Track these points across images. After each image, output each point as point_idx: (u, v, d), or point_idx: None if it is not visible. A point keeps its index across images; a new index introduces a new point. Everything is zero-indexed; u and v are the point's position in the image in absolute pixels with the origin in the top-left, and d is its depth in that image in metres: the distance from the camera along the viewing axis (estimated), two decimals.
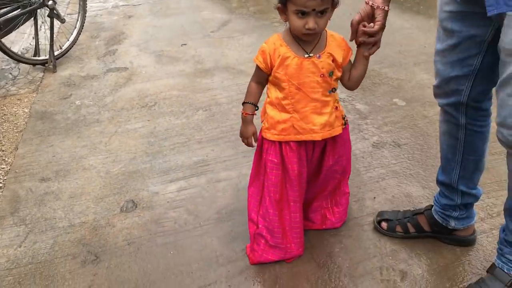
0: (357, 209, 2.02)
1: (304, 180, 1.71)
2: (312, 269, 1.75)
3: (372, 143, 2.40)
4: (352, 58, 1.62)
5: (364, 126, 2.55)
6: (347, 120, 1.71)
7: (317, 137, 1.60)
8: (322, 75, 1.53)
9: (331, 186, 1.82)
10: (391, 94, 2.78)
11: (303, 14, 1.42)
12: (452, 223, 1.75)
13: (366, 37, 1.50)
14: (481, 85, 1.49)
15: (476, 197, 1.73)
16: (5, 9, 3.02)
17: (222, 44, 3.59)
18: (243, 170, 2.27)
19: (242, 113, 1.70)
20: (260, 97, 1.69)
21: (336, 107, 1.62)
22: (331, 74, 1.55)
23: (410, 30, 3.62)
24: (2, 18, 2.94)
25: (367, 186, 2.14)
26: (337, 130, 1.64)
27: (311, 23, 1.42)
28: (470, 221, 1.77)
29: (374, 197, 2.07)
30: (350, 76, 1.61)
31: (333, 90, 1.60)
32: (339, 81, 1.63)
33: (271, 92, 1.63)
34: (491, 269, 1.58)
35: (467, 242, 1.80)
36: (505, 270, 1.53)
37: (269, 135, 1.64)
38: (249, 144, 1.73)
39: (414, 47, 3.41)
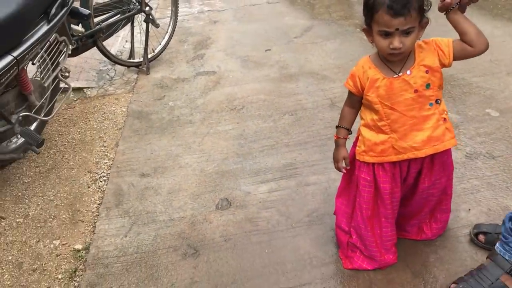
0: (452, 220, 1.99)
1: (397, 199, 1.69)
2: (407, 278, 1.76)
3: (465, 154, 2.35)
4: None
5: (456, 136, 2.49)
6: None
7: (420, 154, 1.55)
8: (416, 91, 1.49)
9: (430, 206, 1.79)
10: (483, 104, 2.70)
11: (387, 34, 1.41)
12: None
13: None
14: None
15: None
16: (107, 15, 3.25)
17: (306, 49, 3.64)
18: (331, 175, 2.30)
19: (335, 137, 1.73)
20: (353, 121, 1.71)
21: (444, 119, 1.56)
22: (427, 86, 1.50)
23: (501, 38, 3.49)
24: (105, 23, 3.15)
25: (461, 197, 2.10)
26: (449, 143, 1.58)
27: (396, 42, 1.40)
28: None
29: (469, 209, 2.03)
30: (468, 43, 1.45)
31: (437, 101, 1.53)
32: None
33: (365, 115, 1.62)
34: (492, 256, 1.65)
35: None
36: (507, 258, 1.61)
37: (368, 158, 1.62)
38: (338, 169, 1.74)
39: (507, 55, 3.28)
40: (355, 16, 4.11)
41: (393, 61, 1.50)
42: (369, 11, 1.43)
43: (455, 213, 2.02)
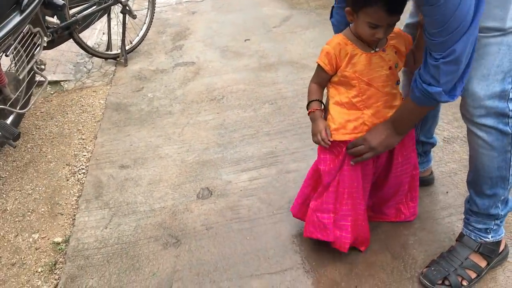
0: (430, 203, 2.02)
1: (369, 178, 1.71)
2: (387, 260, 1.78)
3: (443, 138, 2.39)
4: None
5: None
6: None
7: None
8: (390, 68, 1.56)
9: (404, 184, 1.80)
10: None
11: (376, 26, 1.44)
12: None
13: None
14: None
15: (433, 144, 2.06)
16: (82, 6, 3.19)
17: (285, 39, 3.64)
18: (311, 162, 2.28)
19: (309, 112, 1.66)
20: (322, 98, 1.68)
21: (403, 99, 1.63)
22: (396, 66, 1.58)
23: None
24: (81, 15, 3.10)
25: (439, 180, 2.13)
26: None
27: (381, 34, 1.45)
28: (428, 164, 2.09)
29: (447, 192, 2.07)
30: (416, 59, 1.60)
31: (398, 82, 1.62)
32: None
33: (337, 93, 1.62)
34: (460, 238, 1.71)
35: (427, 181, 2.10)
36: (472, 237, 1.67)
37: (340, 136, 1.60)
38: (323, 139, 1.60)
39: None
40: None
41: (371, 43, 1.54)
42: (361, 2, 1.42)
43: (433, 196, 2.06)
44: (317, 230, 1.73)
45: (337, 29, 1.68)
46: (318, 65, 1.60)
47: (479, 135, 1.47)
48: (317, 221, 1.72)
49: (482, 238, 1.65)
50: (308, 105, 1.68)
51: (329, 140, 1.59)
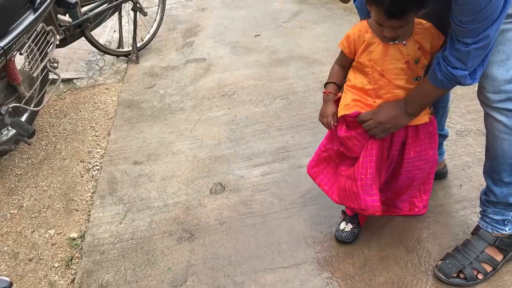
0: (443, 196, 2.01)
1: (384, 165, 1.71)
2: (401, 254, 1.78)
3: (456, 131, 2.37)
4: None
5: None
6: (433, 111, 1.67)
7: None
8: (407, 62, 1.54)
9: (418, 180, 1.78)
10: None
11: (380, 25, 1.46)
12: None
13: None
14: None
15: (445, 136, 2.06)
16: (94, 4, 3.22)
17: (295, 34, 3.63)
18: None
19: (324, 93, 1.72)
20: (343, 80, 1.71)
21: None
22: (416, 61, 1.54)
23: None
24: (92, 13, 3.13)
25: (453, 173, 2.12)
26: (423, 119, 1.62)
27: (387, 33, 1.47)
28: (441, 157, 2.07)
29: (461, 185, 2.06)
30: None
31: (418, 78, 1.58)
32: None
33: (354, 77, 1.64)
34: (476, 231, 1.70)
35: (441, 174, 2.09)
36: (489, 230, 1.66)
37: (354, 108, 1.61)
38: (328, 124, 1.67)
39: None
40: None
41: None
42: (369, 1, 1.46)
43: (447, 189, 2.05)
44: (349, 198, 1.73)
45: (361, 12, 1.71)
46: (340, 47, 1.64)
47: (499, 119, 1.47)
48: (349, 189, 1.71)
49: (499, 231, 1.64)
50: (325, 85, 1.73)
51: (334, 125, 1.67)
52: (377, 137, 1.61)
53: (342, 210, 1.88)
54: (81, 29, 3.06)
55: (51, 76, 2.73)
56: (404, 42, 1.53)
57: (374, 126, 1.58)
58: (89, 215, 2.15)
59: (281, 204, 2.08)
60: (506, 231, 1.64)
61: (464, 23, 1.27)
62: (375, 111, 1.58)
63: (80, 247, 1.99)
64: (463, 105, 2.55)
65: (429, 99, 1.55)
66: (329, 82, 1.71)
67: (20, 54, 2.29)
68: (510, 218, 1.64)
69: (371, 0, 1.43)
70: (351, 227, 1.83)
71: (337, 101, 1.70)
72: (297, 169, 2.27)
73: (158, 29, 3.77)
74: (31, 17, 2.20)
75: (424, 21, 1.57)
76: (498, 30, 1.28)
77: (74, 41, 3.10)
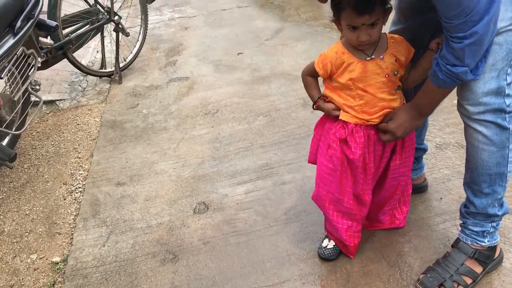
0: (424, 209, 2.04)
1: (370, 172, 1.72)
2: (383, 268, 1.79)
3: (435, 145, 2.41)
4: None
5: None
6: None
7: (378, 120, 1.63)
8: (387, 75, 1.58)
9: (401, 188, 1.83)
10: (451, 95, 2.75)
11: (354, 28, 1.49)
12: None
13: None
14: None
15: (425, 150, 2.09)
16: (75, 26, 3.23)
17: (277, 51, 3.68)
18: (307, 173, 2.33)
19: (314, 106, 1.73)
20: (318, 86, 1.73)
21: (403, 104, 1.65)
22: (395, 73, 1.59)
23: None
24: (74, 34, 3.14)
25: (433, 187, 2.15)
26: None
27: (363, 36, 1.49)
28: (421, 171, 2.12)
29: (441, 198, 2.09)
30: (409, 76, 1.64)
31: (398, 87, 1.63)
32: None
33: (336, 97, 1.65)
34: (456, 243, 1.73)
35: (421, 188, 2.13)
36: (469, 243, 1.69)
37: (345, 116, 1.65)
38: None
39: None
40: (324, 16, 4.17)
41: (363, 49, 1.57)
42: (336, 8, 1.51)
43: (427, 202, 2.07)
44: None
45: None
46: (313, 65, 1.65)
47: (479, 130, 1.50)
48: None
49: (479, 243, 1.67)
50: (312, 100, 1.75)
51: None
52: (388, 141, 1.65)
53: (325, 227, 1.89)
54: (63, 51, 3.07)
55: (33, 98, 2.72)
56: (381, 56, 1.57)
57: (390, 138, 1.63)
58: (72, 238, 2.13)
59: (265, 222, 2.08)
60: (485, 243, 1.67)
61: (450, 19, 1.29)
62: (389, 124, 1.60)
63: (62, 271, 1.98)
64: (442, 119, 2.60)
65: (438, 99, 1.57)
66: (312, 94, 1.74)
67: (1, 78, 2.29)
68: (489, 229, 1.66)
69: (339, 8, 1.48)
70: (334, 244, 1.84)
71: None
72: (280, 186, 2.29)
73: (141, 49, 3.79)
74: (11, 41, 2.20)
75: (396, 35, 1.63)
76: (491, 29, 1.30)
77: (57, 63, 3.10)
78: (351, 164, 1.67)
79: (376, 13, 1.45)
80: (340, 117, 1.66)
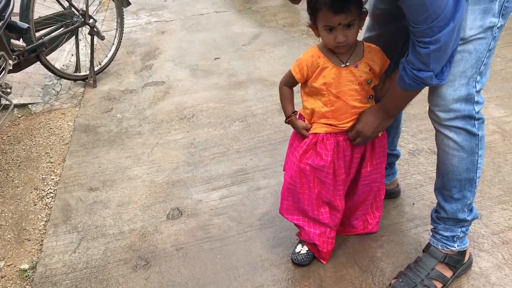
0: (396, 215, 2.06)
1: (341, 179, 1.73)
2: (355, 273, 1.80)
3: (408, 151, 2.44)
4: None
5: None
6: None
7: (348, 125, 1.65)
8: (360, 83, 1.60)
9: (373, 193, 1.85)
10: (424, 102, 2.79)
11: (331, 29, 1.50)
12: None
13: None
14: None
15: (397, 156, 2.11)
16: (49, 29, 3.18)
17: (254, 57, 3.68)
18: (282, 179, 2.31)
19: (288, 121, 1.75)
20: (293, 99, 1.76)
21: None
22: (369, 82, 1.62)
23: None
24: (47, 37, 3.09)
25: (405, 192, 2.18)
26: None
27: (340, 37, 1.50)
28: (394, 176, 2.14)
29: (413, 203, 2.11)
30: (384, 87, 1.66)
31: (371, 97, 1.66)
32: None
33: (308, 103, 1.68)
34: (427, 248, 1.75)
35: (394, 194, 2.15)
36: (439, 247, 1.71)
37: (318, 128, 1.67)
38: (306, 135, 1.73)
39: None
40: (301, 23, 4.20)
41: (340, 52, 1.58)
42: (313, 9, 1.52)
43: (400, 207, 2.10)
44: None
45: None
46: (290, 71, 1.67)
47: (449, 136, 1.53)
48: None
49: (449, 247, 1.69)
50: (285, 114, 1.76)
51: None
52: (360, 144, 1.67)
53: (299, 234, 1.89)
54: (36, 54, 3.01)
55: (4, 101, 2.66)
56: (356, 64, 1.59)
57: (360, 140, 1.65)
58: (42, 244, 2.08)
59: (239, 227, 2.07)
60: (455, 247, 1.69)
61: (417, 24, 1.31)
62: (357, 126, 1.62)
63: (31, 278, 1.93)
64: (415, 125, 2.63)
65: (405, 102, 1.59)
66: (287, 109, 1.76)
67: None
68: (459, 234, 1.69)
69: (314, 8, 1.49)
70: (307, 249, 1.84)
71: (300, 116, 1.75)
72: (255, 191, 2.28)
73: (117, 53, 3.75)
74: None
75: (373, 45, 1.64)
76: (455, 36, 1.32)
77: (29, 65, 3.04)
78: (321, 172, 1.68)
79: (352, 13, 1.47)
80: (310, 132, 1.68)
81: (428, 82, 1.42)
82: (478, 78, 1.47)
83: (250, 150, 2.59)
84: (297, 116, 1.74)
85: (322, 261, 1.84)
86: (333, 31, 1.50)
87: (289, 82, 1.73)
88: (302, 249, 1.85)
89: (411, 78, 1.42)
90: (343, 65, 1.58)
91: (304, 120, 1.72)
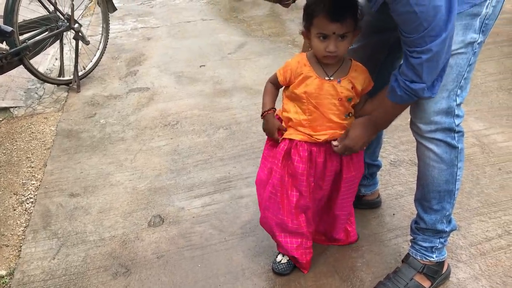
0: (377, 225, 2.08)
1: (310, 185, 1.73)
2: (336, 283, 1.82)
3: (390, 161, 2.48)
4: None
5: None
6: None
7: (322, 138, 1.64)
8: (340, 99, 1.60)
9: (351, 200, 1.85)
10: (406, 113, 2.84)
11: (324, 37, 1.51)
12: (362, 190, 2.12)
13: None
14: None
15: (379, 167, 2.13)
16: (34, 32, 3.15)
17: (240, 65, 3.70)
18: None
19: (263, 114, 1.75)
20: (276, 98, 1.76)
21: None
22: (349, 99, 1.62)
23: None
24: (31, 41, 3.06)
25: (386, 203, 2.20)
26: None
27: (331, 46, 1.50)
28: (375, 187, 2.16)
29: (394, 214, 2.14)
30: (363, 108, 1.66)
31: (350, 114, 1.66)
32: None
33: (288, 107, 1.69)
34: (406, 259, 1.78)
35: (375, 204, 2.18)
36: (418, 258, 1.74)
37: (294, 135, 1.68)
38: (277, 140, 1.73)
39: None
40: (286, 33, 4.23)
41: (327, 63, 1.59)
42: (309, 15, 1.52)
43: (380, 218, 2.12)
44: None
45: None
46: (276, 72, 1.68)
47: (429, 147, 1.56)
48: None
49: (427, 258, 1.72)
50: (263, 108, 1.76)
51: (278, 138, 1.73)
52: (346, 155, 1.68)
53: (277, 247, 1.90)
54: (19, 57, 2.98)
55: None
56: (339, 80, 1.59)
57: (348, 153, 1.66)
58: (20, 250, 2.05)
59: (221, 236, 2.07)
60: (433, 258, 1.72)
61: (409, 33, 1.33)
62: (345, 143, 1.61)
63: (8, 285, 1.90)
64: (397, 136, 2.67)
65: (395, 115, 1.60)
66: (267, 109, 1.75)
67: None
68: (438, 245, 1.72)
69: (311, 14, 1.50)
70: (288, 259, 1.85)
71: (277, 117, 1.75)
72: (237, 199, 2.28)
73: (101, 58, 3.73)
74: None
75: (361, 65, 1.64)
76: (446, 46, 1.33)
77: (12, 69, 3.02)
78: (296, 179, 1.68)
79: (347, 25, 1.48)
80: (284, 136, 1.69)
81: (420, 94, 1.42)
82: (459, 91, 1.50)
83: (234, 158, 2.60)
84: (274, 115, 1.74)
85: (303, 270, 1.85)
86: (326, 40, 1.51)
87: (274, 82, 1.74)
88: (282, 259, 1.85)
89: (403, 90, 1.43)
90: (326, 78, 1.59)
91: (281, 123, 1.73)
